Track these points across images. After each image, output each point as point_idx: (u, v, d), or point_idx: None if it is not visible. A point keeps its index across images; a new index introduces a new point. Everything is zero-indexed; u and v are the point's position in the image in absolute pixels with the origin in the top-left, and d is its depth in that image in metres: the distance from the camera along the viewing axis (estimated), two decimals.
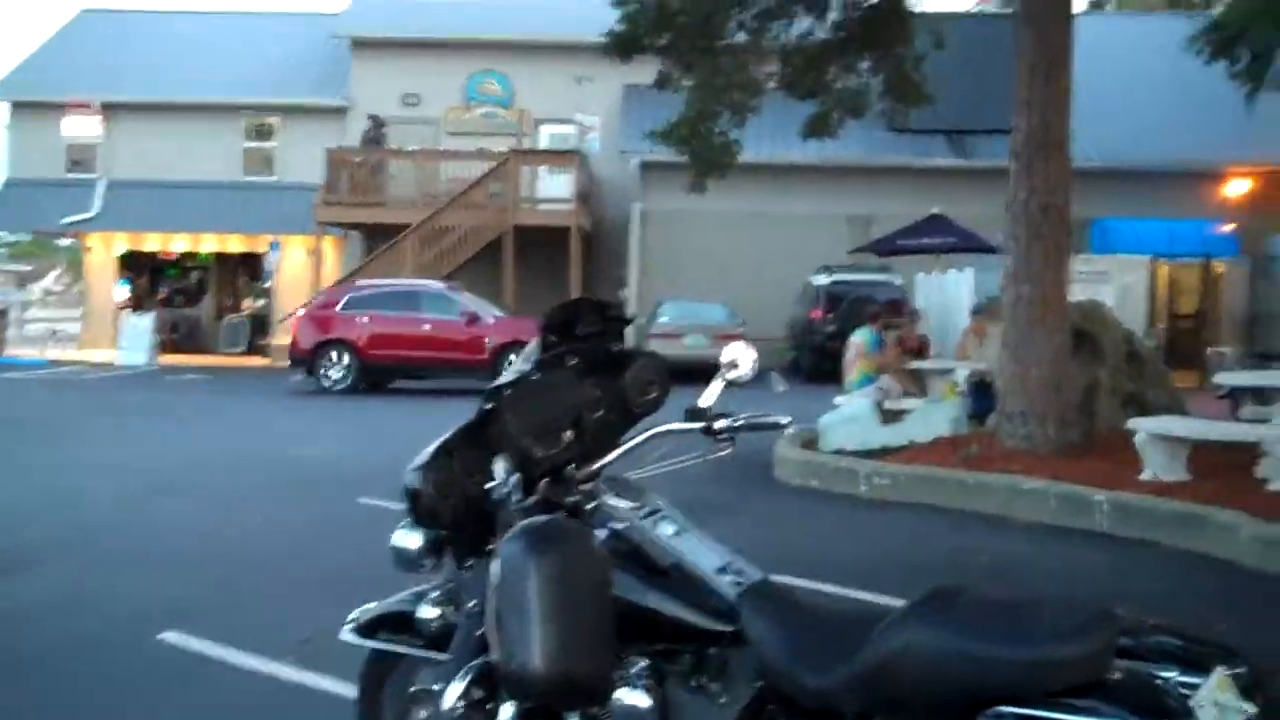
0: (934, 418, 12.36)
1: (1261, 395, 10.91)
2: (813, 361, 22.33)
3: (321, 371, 21.62)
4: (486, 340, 21.07)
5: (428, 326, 21.53)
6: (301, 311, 22.92)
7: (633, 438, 3.05)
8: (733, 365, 3.13)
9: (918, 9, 16.21)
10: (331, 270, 30.30)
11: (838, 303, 22.62)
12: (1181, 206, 25.10)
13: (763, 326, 24.31)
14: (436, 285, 23.01)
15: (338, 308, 22.11)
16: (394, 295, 22.38)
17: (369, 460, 12.13)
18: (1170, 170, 26.32)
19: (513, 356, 17.37)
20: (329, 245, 30.84)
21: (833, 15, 15.54)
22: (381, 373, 21.78)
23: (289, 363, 22.57)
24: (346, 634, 3.31)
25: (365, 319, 21.80)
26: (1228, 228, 23.40)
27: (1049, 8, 12.01)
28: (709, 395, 3.11)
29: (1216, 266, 25.01)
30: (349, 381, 21.49)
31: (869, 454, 11.50)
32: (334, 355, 21.64)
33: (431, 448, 2.94)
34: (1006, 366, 11.53)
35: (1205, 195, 24.34)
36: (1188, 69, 22.52)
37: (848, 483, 10.86)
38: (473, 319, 21.58)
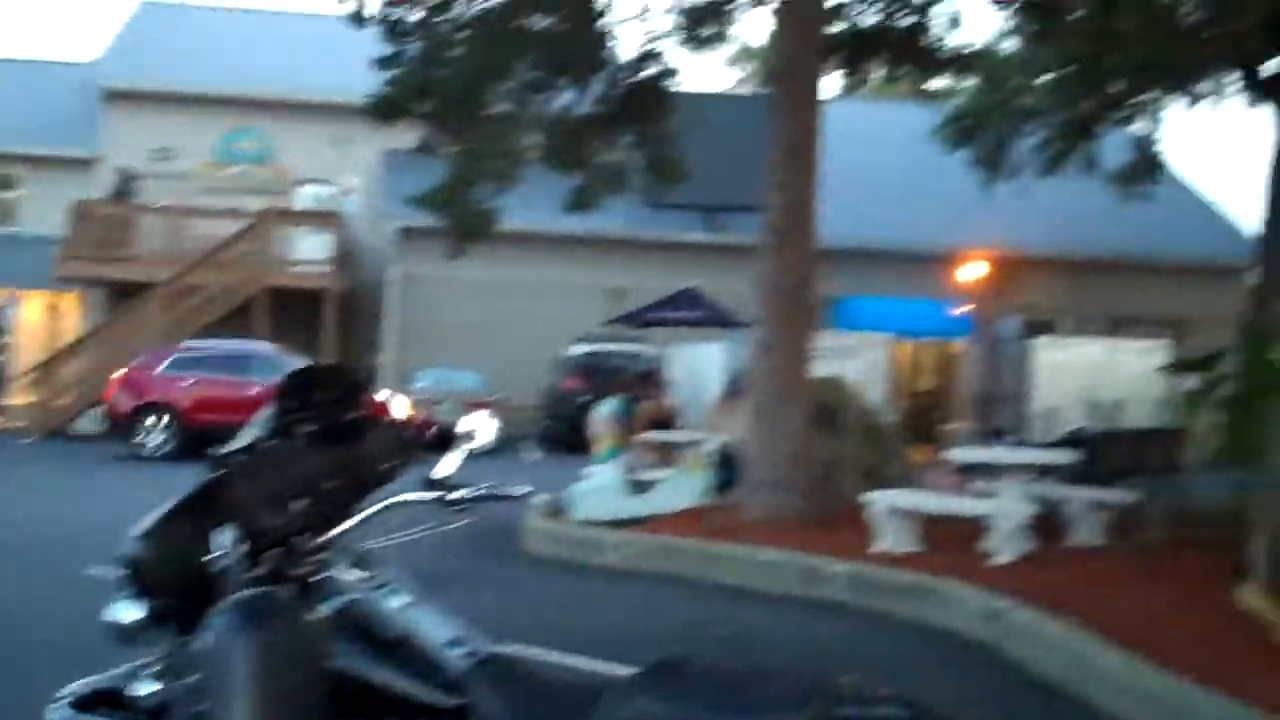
0: (682, 488, 12.55)
1: (990, 470, 11.43)
2: (566, 431, 22.43)
3: (140, 436, 20.64)
4: None
5: (255, 390, 20.62)
6: (122, 372, 21.86)
7: (369, 507, 3.01)
8: (471, 435, 3.13)
9: (677, 87, 16.60)
10: (71, 327, 29.16)
11: (592, 372, 22.79)
12: (922, 287, 26.19)
13: (521, 395, 24.35)
14: (265, 348, 22.26)
15: (159, 370, 21.22)
16: (220, 358, 21.55)
17: (111, 527, 11.65)
18: (912, 252, 27.46)
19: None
20: (69, 301, 29.68)
21: (595, 90, 15.81)
22: (205, 438, 20.64)
23: (23, 423, 21.52)
24: (55, 712, 3.01)
25: (189, 382, 20.94)
26: (964, 309, 24.50)
27: (801, 94, 12.48)
28: (447, 465, 3.09)
29: (953, 346, 26.15)
30: (170, 447, 20.56)
31: (617, 524, 11.58)
32: (154, 419, 20.70)
33: (156, 515, 2.85)
34: (753, 439, 11.82)
35: (944, 277, 25.43)
36: (931, 156, 23.66)
37: (595, 553, 10.93)
38: None
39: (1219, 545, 8.79)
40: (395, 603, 2.80)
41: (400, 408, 20.81)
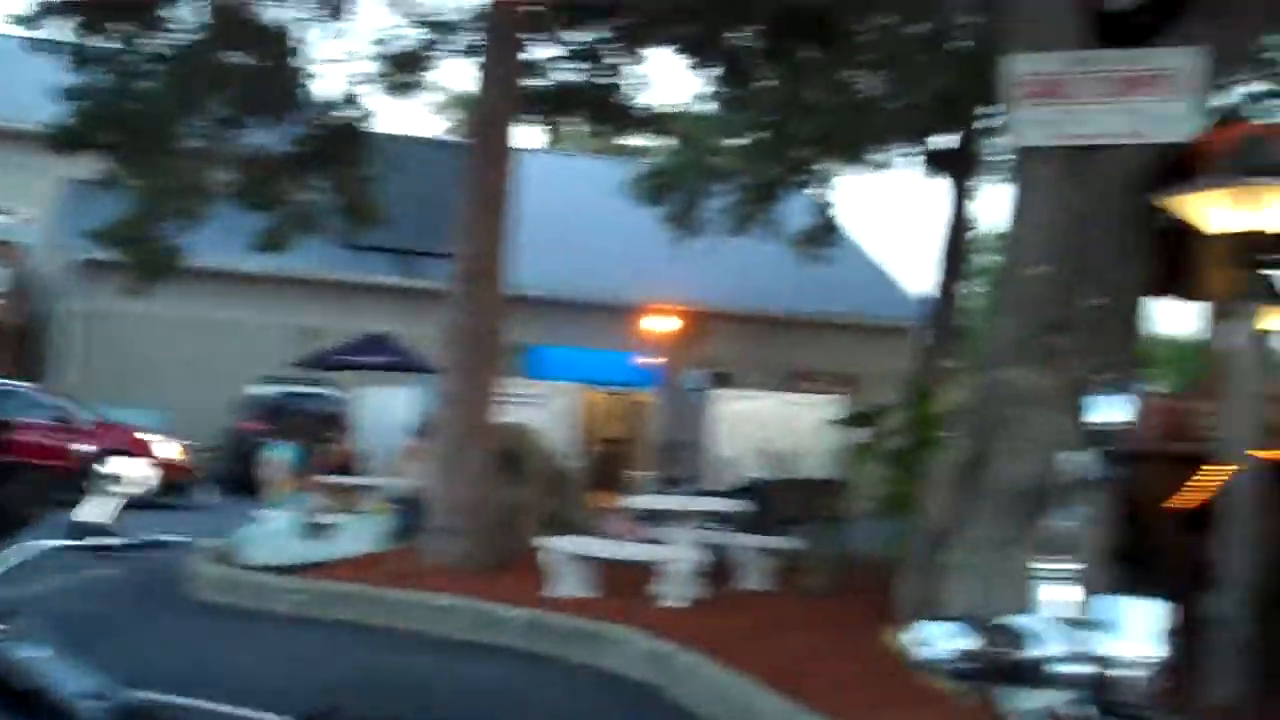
0: (362, 533, 12.47)
1: (669, 517, 11.78)
2: (244, 473, 21.78)
3: None
4: (77, 447, 18.73)
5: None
6: None
7: (8, 553, 2.94)
8: (116, 478, 3.09)
9: (377, 131, 16.60)
10: None
11: (275, 414, 22.29)
12: (612, 338, 26.64)
13: (204, 436, 23.59)
14: (25, 386, 20.74)
15: None
16: None
17: None
18: (603, 303, 27.94)
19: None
20: None
21: (292, 130, 15.63)
22: None
23: None
24: None
25: None
26: (651, 360, 25.06)
27: (496, 143, 12.65)
28: (95, 510, 3.05)
29: (640, 395, 26.68)
30: None
31: (293, 569, 11.35)
32: None
33: None
34: (435, 484, 11.85)
35: (633, 328, 25.94)
36: (627, 210, 24.23)
37: (268, 599, 10.68)
38: (64, 423, 19.53)
39: (875, 591, 9.27)
40: (30, 653, 2.75)
41: (168, 450, 19.86)
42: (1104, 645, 1.50)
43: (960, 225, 21.38)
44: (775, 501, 13.96)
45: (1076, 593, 1.57)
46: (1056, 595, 1.57)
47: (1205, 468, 8.41)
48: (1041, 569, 1.58)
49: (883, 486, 12.89)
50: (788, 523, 13.09)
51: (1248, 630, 7.48)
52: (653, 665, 8.23)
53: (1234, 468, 7.80)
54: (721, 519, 12.29)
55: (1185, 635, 7.60)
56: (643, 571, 10.35)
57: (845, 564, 11.54)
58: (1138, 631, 1.52)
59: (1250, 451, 7.81)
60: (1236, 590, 7.54)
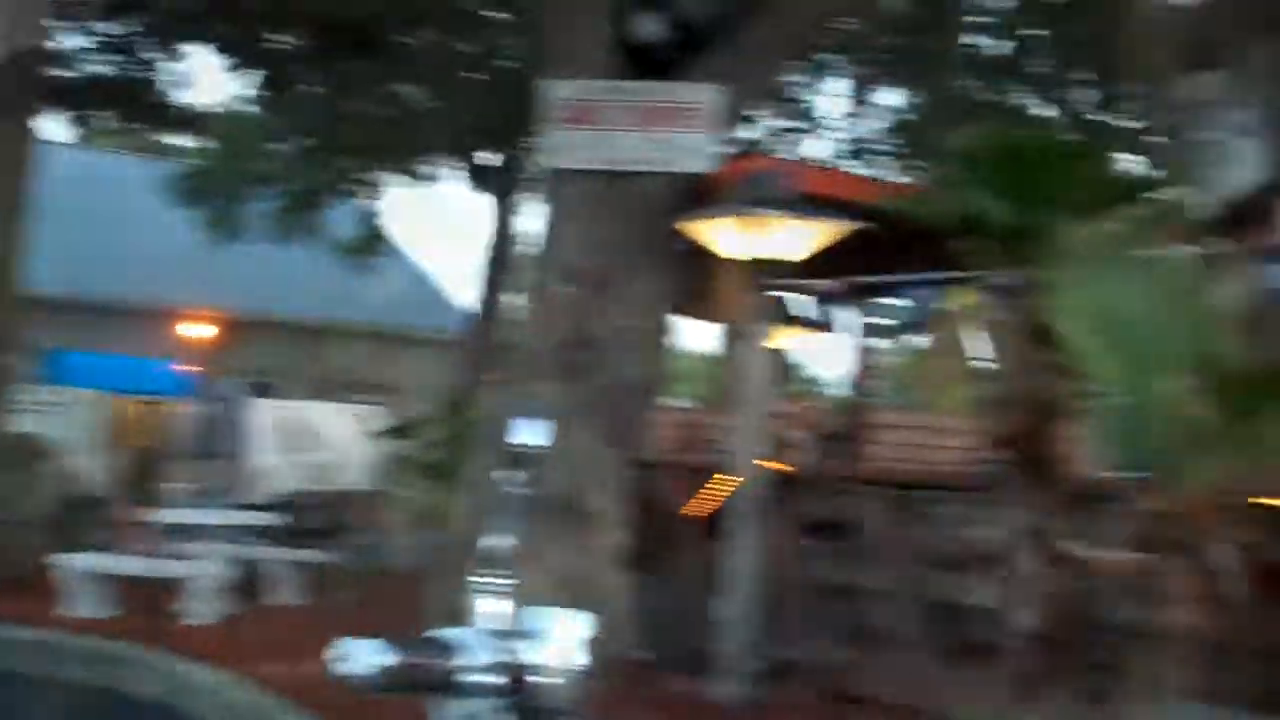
0: None
1: (199, 531, 11.45)
2: None
3: None
4: None
5: None
6: None
7: None
8: None
9: None
10: None
11: None
12: (144, 344, 25.48)
13: None
14: None
15: None
16: None
17: None
18: (136, 308, 26.66)
19: None
20: None
21: None
22: None
23: None
24: None
25: None
26: (186, 368, 24.16)
27: (9, 134, 11.92)
28: None
29: (173, 404, 25.65)
30: None
31: None
32: None
33: None
34: None
35: (167, 335, 24.96)
36: (163, 212, 23.28)
37: None
38: None
39: (408, 602, 9.31)
40: None
41: None
42: (527, 654, 1.58)
43: (503, 241, 21.78)
44: (311, 514, 13.82)
45: (508, 605, 1.64)
46: (491, 607, 1.64)
47: (717, 477, 8.95)
48: (478, 582, 1.65)
49: (420, 498, 13.00)
50: (323, 535, 12.99)
51: (754, 630, 8.02)
52: (169, 685, 7.95)
53: (742, 477, 8.36)
54: (254, 532, 12.05)
55: (695, 635, 8.06)
56: (167, 588, 10.00)
57: (379, 576, 11.54)
58: (561, 640, 1.60)
59: (757, 462, 8.38)
60: (743, 592, 8.06)
